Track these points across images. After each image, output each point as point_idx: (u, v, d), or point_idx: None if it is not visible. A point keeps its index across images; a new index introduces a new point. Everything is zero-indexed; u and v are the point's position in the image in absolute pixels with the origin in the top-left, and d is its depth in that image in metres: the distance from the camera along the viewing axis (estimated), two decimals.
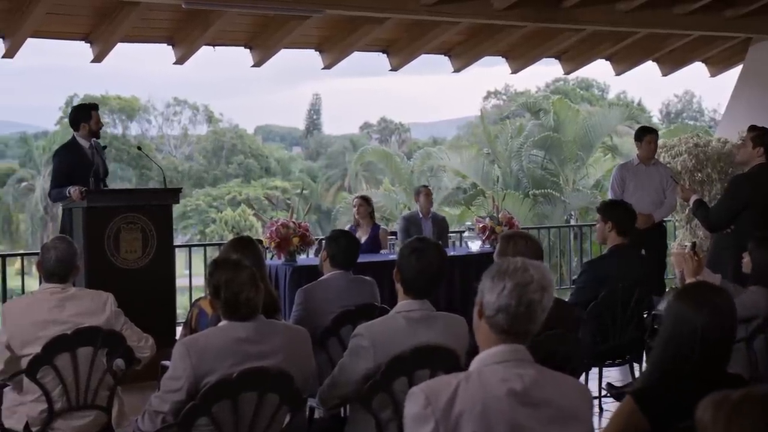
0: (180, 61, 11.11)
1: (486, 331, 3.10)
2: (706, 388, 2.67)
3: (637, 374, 7.32)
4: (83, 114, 9.16)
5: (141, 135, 57.48)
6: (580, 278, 7.30)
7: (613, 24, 11.95)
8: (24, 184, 47.25)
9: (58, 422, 5.38)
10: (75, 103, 11.52)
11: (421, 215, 11.31)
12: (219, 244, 11.39)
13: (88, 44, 10.58)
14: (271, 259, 9.64)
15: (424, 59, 12.77)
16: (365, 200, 11.08)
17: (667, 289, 8.44)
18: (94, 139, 9.11)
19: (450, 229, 12.17)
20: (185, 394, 4.26)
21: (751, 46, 13.70)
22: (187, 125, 60.71)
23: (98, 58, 10.65)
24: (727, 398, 2.44)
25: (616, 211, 7.25)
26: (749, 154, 8.29)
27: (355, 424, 4.69)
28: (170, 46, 11.05)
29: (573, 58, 13.55)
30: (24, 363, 5.33)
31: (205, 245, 12.80)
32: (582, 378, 6.47)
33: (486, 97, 60.93)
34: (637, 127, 12.10)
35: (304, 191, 44.89)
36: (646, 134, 10.30)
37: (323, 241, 7.04)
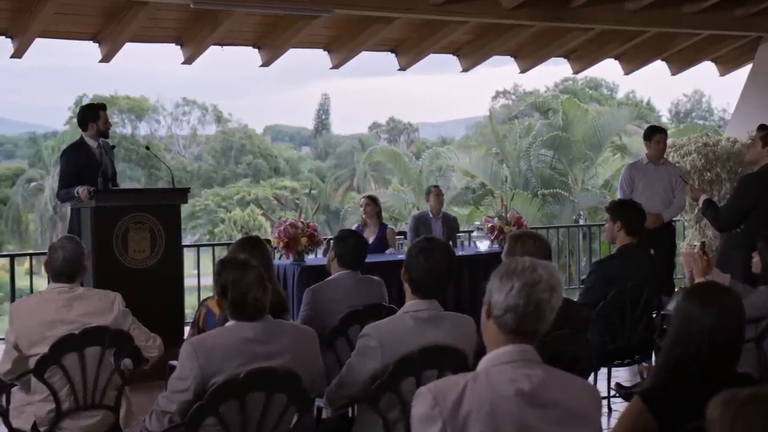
0: (188, 61, 11.11)
1: (494, 331, 3.09)
2: (715, 388, 2.66)
3: (645, 374, 7.30)
4: (91, 114, 9.15)
5: (150, 135, 57.51)
6: (588, 278, 7.28)
7: (622, 23, 11.93)
8: (33, 184, 47.28)
9: (66, 422, 5.38)
10: (84, 103, 11.53)
11: (431, 215, 11.31)
12: (227, 244, 11.38)
13: (96, 44, 10.59)
14: (280, 258, 9.63)
15: (432, 59, 12.77)
16: (372, 200, 11.06)
17: (676, 289, 8.43)
18: (102, 139, 9.11)
19: (460, 229, 12.16)
20: (192, 394, 4.25)
21: (761, 45, 13.66)
22: (196, 125, 60.76)
23: (106, 58, 10.66)
24: (736, 396, 2.43)
25: (625, 211, 7.22)
26: (759, 153, 8.26)
27: (362, 424, 4.68)
28: (178, 46, 11.06)
29: (581, 58, 13.52)
30: (32, 363, 5.33)
31: (213, 245, 12.80)
32: (591, 378, 6.45)
33: (495, 97, 60.92)
34: (646, 126, 12.07)
35: (312, 191, 44.92)
36: (655, 134, 10.27)
37: (331, 241, 7.03)
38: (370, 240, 10.03)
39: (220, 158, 57.72)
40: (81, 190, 8.46)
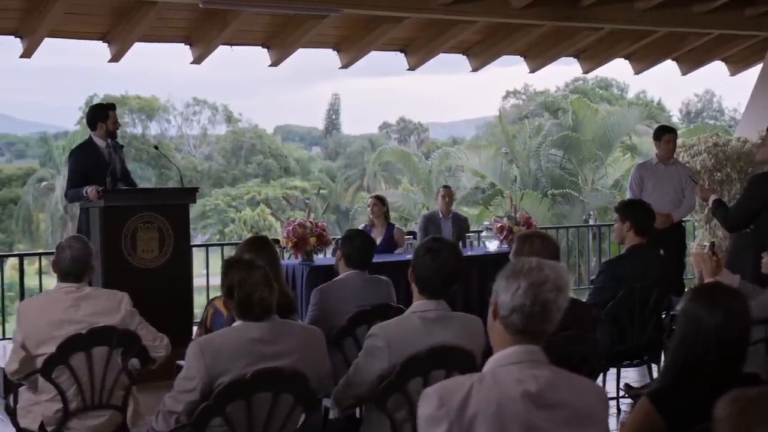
0: (197, 60, 11.12)
1: (500, 331, 3.08)
2: (723, 388, 2.65)
3: (655, 375, 7.28)
4: (100, 114, 9.16)
5: (160, 135, 57.54)
6: (598, 278, 7.25)
7: (632, 23, 11.91)
8: (44, 183, 47.34)
9: (73, 422, 5.38)
10: (94, 103, 11.54)
11: (441, 215, 11.30)
12: (236, 244, 11.35)
13: (106, 44, 10.60)
14: (289, 258, 9.63)
15: (442, 59, 12.77)
16: (380, 200, 11.03)
17: (686, 290, 8.39)
18: (111, 138, 9.11)
19: (470, 228, 12.15)
20: (199, 395, 4.25)
21: None
22: (206, 125, 60.79)
23: (115, 58, 10.67)
24: (743, 395, 2.43)
25: (634, 211, 7.20)
26: None
27: (369, 424, 4.67)
28: (188, 46, 11.06)
29: (591, 57, 13.50)
30: (39, 363, 5.33)
31: (222, 245, 12.80)
32: (600, 379, 6.44)
33: (505, 97, 60.89)
34: (656, 126, 12.04)
35: (321, 191, 44.92)
36: (664, 133, 10.25)
37: (339, 241, 7.03)
38: (378, 241, 10.00)
39: (231, 158, 57.75)
40: (90, 190, 8.46)
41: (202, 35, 10.89)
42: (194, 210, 46.88)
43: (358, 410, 5.15)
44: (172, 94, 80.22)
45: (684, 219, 10.83)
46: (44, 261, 11.25)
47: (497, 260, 9.67)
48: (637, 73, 14.07)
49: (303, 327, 4.73)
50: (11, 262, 13.30)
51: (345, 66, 12.07)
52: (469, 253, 10.21)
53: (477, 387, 2.95)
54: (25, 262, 10.49)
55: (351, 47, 11.84)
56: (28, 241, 46.19)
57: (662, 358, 7.06)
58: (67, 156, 9.52)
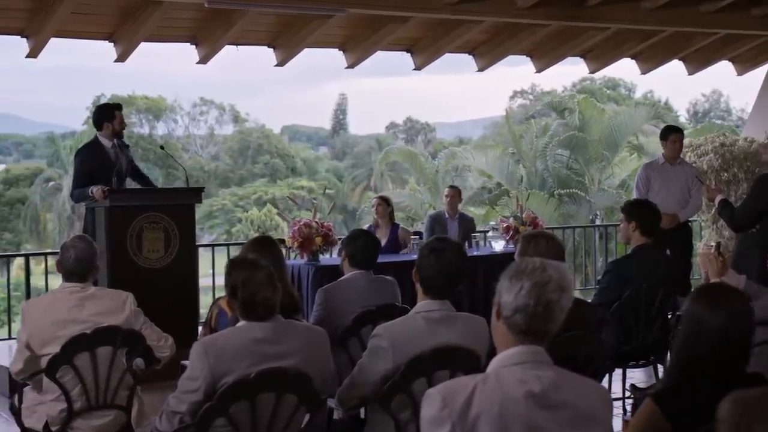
0: (203, 60, 11.11)
1: (504, 331, 3.07)
2: (726, 388, 2.65)
3: (661, 375, 7.25)
4: (107, 114, 9.17)
5: (167, 135, 57.65)
6: (603, 278, 7.23)
7: (638, 22, 11.87)
8: (51, 183, 47.42)
9: (78, 422, 5.38)
10: (101, 103, 11.56)
11: (447, 215, 11.29)
12: (242, 244, 11.37)
13: (112, 44, 10.60)
14: (294, 258, 9.63)
15: (449, 58, 12.74)
16: (384, 200, 11.02)
17: (692, 290, 8.38)
18: (116, 139, 9.12)
19: (476, 229, 12.15)
20: (203, 395, 4.24)
21: None
22: (213, 125, 60.91)
23: (121, 58, 10.66)
24: (745, 396, 2.43)
25: (640, 211, 7.18)
26: None
27: (373, 425, 4.67)
28: (193, 46, 11.05)
29: (598, 57, 13.46)
30: (43, 362, 5.33)
31: (228, 245, 12.80)
32: (605, 379, 6.42)
33: (512, 97, 60.94)
34: (663, 126, 12.02)
35: (327, 190, 44.92)
36: (671, 133, 10.23)
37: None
38: (383, 242, 9.98)
39: (238, 158, 57.84)
40: (95, 190, 8.46)
41: (207, 35, 10.88)
42: (201, 210, 47.02)
43: (363, 410, 5.14)
44: (179, 94, 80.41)
45: (691, 219, 10.81)
46: (50, 261, 11.25)
47: (503, 260, 9.65)
48: (643, 73, 14.04)
49: (306, 327, 4.73)
50: (18, 262, 13.34)
51: (351, 66, 12.06)
52: (476, 253, 10.21)
53: (480, 388, 2.95)
54: (33, 262, 10.49)
55: (357, 47, 11.82)
56: (35, 240, 46.26)
57: (668, 358, 7.04)
58: (74, 156, 9.52)
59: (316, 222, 9.39)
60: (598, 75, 49.43)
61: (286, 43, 11.39)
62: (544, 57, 13.10)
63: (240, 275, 4.34)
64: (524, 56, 13.16)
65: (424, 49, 12.22)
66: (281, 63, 11.62)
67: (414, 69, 12.48)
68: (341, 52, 12.01)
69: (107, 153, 8.99)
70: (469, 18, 11.11)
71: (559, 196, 24.38)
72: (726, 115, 62.63)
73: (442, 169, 30.67)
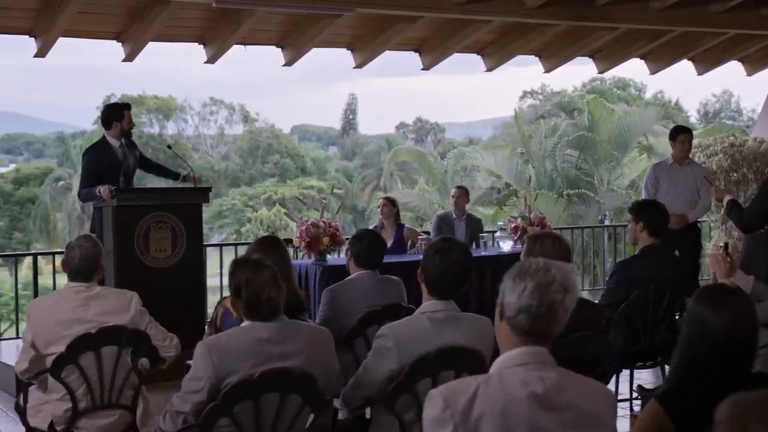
0: (211, 60, 11.10)
1: (507, 332, 3.06)
2: (730, 389, 2.63)
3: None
4: (116, 113, 9.18)
5: (177, 134, 57.74)
6: (611, 279, 7.21)
7: (647, 22, 11.83)
8: (61, 183, 47.51)
9: (83, 421, 5.38)
10: (109, 103, 11.56)
11: (454, 215, 11.28)
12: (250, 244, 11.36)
13: (120, 43, 10.60)
14: (302, 258, 9.62)
15: (457, 58, 12.72)
16: (390, 201, 11.01)
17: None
18: (124, 138, 9.12)
19: (484, 230, 12.13)
20: (206, 395, 4.24)
21: None
22: (223, 125, 60.97)
23: (129, 58, 10.66)
24: (743, 399, 2.42)
25: (647, 211, 7.15)
26: None
27: (378, 425, 4.66)
28: (201, 45, 11.05)
29: (607, 57, 13.42)
30: (48, 362, 5.33)
31: (236, 244, 12.79)
32: (613, 380, 6.40)
33: (522, 97, 60.95)
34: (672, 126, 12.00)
35: (335, 190, 44.93)
36: (679, 133, 10.21)
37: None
38: (389, 243, 9.97)
39: (247, 158, 57.89)
40: (102, 190, 8.47)
41: (215, 35, 10.88)
42: (211, 209, 47.05)
43: (369, 410, 5.13)
44: (189, 94, 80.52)
45: (700, 219, 10.78)
46: (59, 260, 11.25)
47: (511, 261, 9.58)
48: (652, 73, 13.99)
49: (311, 327, 4.71)
50: (28, 261, 13.36)
51: (359, 66, 12.04)
52: (483, 254, 10.19)
53: (483, 388, 2.93)
54: (43, 261, 10.50)
55: (365, 47, 11.81)
56: (45, 240, 46.38)
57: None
58: (81, 155, 9.54)
59: (324, 222, 9.38)
60: (609, 75, 49.54)
61: (294, 42, 11.38)
62: (552, 57, 13.07)
63: (244, 275, 4.33)
64: (533, 56, 13.14)
65: (432, 49, 12.20)
66: (289, 63, 11.61)
67: (422, 69, 12.46)
68: (349, 51, 12.00)
69: (115, 152, 9.00)
70: (478, 18, 11.08)
71: (568, 196, 24.36)
72: (737, 115, 62.54)
73: (450, 169, 30.67)
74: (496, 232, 11.47)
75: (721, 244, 6.65)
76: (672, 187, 9.98)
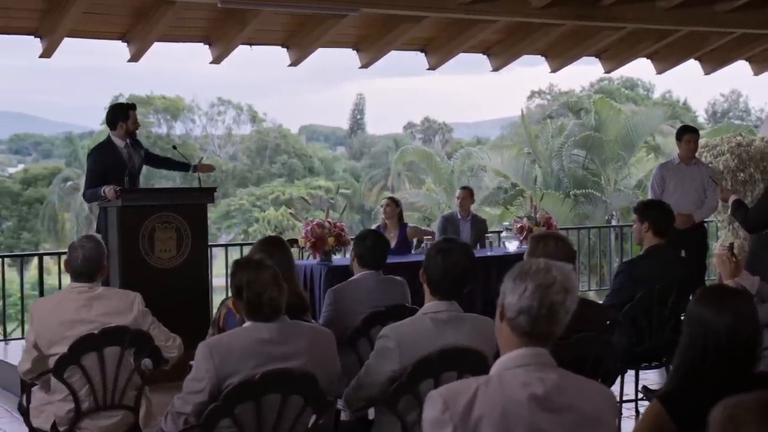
0: (216, 60, 11.10)
1: (507, 333, 3.05)
2: (732, 389, 2.61)
3: None
4: (121, 113, 9.17)
5: (185, 135, 57.74)
6: (616, 279, 7.20)
7: (654, 22, 11.81)
8: (69, 183, 47.55)
9: (85, 422, 5.39)
10: (114, 103, 11.52)
11: (459, 216, 11.27)
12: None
13: (125, 44, 10.60)
14: (307, 258, 9.62)
15: (464, 58, 12.70)
16: (393, 201, 10.99)
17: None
18: (129, 138, 9.12)
19: (490, 230, 12.12)
20: (207, 396, 4.23)
21: None
22: (231, 125, 60.96)
23: (134, 58, 10.66)
24: (734, 400, 2.40)
25: (653, 212, 7.14)
26: None
27: (380, 426, 4.64)
28: (207, 46, 11.04)
29: (613, 57, 13.40)
30: (51, 362, 5.34)
31: (242, 245, 12.79)
32: (618, 381, 6.39)
33: (530, 97, 60.88)
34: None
35: (341, 190, 44.91)
36: (685, 133, 10.21)
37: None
38: (392, 243, 9.95)
39: (255, 158, 57.89)
40: (107, 190, 8.47)
41: (221, 35, 10.87)
42: (219, 210, 47.08)
43: (373, 411, 5.12)
44: (196, 95, 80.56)
45: (706, 219, 10.76)
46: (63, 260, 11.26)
47: (516, 261, 9.59)
48: (659, 72, 13.96)
49: (313, 327, 4.70)
50: (36, 262, 13.36)
51: (365, 66, 12.03)
52: (489, 254, 10.19)
53: (483, 390, 2.92)
54: (51, 261, 10.50)
55: (370, 47, 11.79)
56: (53, 240, 46.42)
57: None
58: (86, 156, 9.55)
59: (329, 222, 9.38)
60: (616, 75, 49.41)
61: (299, 42, 11.37)
62: (558, 57, 13.05)
63: (245, 276, 4.33)
64: (539, 56, 13.11)
65: (438, 49, 12.19)
66: (295, 63, 11.61)
67: (428, 69, 12.45)
68: (355, 51, 11.99)
69: (120, 153, 9.00)
70: (483, 18, 11.07)
71: (575, 196, 24.34)
72: (745, 115, 62.43)
73: (457, 169, 30.66)
74: (501, 232, 11.47)
75: (727, 245, 6.64)
76: (678, 187, 9.96)
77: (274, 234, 15.69)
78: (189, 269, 8.72)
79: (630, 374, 7.05)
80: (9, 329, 11.15)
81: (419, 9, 10.62)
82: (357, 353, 5.69)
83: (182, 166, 9.93)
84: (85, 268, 5.52)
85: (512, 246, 10.48)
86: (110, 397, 5.41)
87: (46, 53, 10.25)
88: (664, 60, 13.76)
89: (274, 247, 5.67)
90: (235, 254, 11.85)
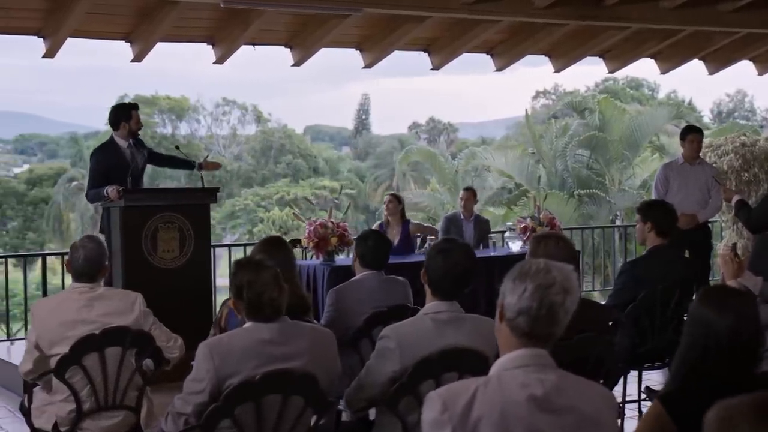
0: (220, 60, 11.10)
1: (507, 334, 3.04)
2: (733, 390, 2.60)
3: None
4: (124, 113, 9.17)
5: (190, 135, 57.73)
6: (618, 279, 7.19)
7: (658, 22, 11.79)
8: (74, 183, 47.58)
9: (87, 422, 5.39)
10: (117, 103, 11.50)
11: (462, 216, 11.25)
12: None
13: (128, 44, 10.60)
14: (310, 258, 9.61)
15: (467, 58, 12.69)
16: (395, 197, 10.98)
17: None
18: (132, 138, 9.12)
19: (494, 230, 12.11)
20: (208, 396, 4.23)
21: None
22: (236, 125, 60.93)
23: (138, 58, 10.66)
24: (729, 402, 2.39)
25: (655, 212, 7.12)
26: None
27: (381, 427, 4.64)
28: (210, 46, 11.04)
29: (617, 57, 13.38)
30: (52, 363, 5.33)
31: (245, 245, 12.78)
32: (620, 381, 6.37)
33: (535, 97, 60.85)
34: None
35: (347, 190, 44.91)
36: (689, 133, 10.19)
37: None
38: (395, 240, 9.95)
39: (260, 158, 57.87)
40: (110, 190, 8.47)
41: (224, 35, 10.87)
42: (223, 210, 47.09)
43: (374, 412, 5.11)
44: (201, 95, 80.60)
45: (711, 220, 10.74)
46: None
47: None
48: (663, 72, 13.94)
49: (313, 328, 4.70)
50: (40, 262, 13.37)
51: (368, 66, 12.02)
52: (492, 254, 10.19)
53: (482, 391, 2.91)
54: (56, 261, 10.50)
55: (374, 47, 11.78)
56: (58, 240, 46.45)
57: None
58: (89, 156, 9.55)
59: (332, 222, 9.37)
60: (621, 75, 49.42)
61: (302, 42, 11.36)
62: (562, 57, 13.03)
63: (245, 276, 4.32)
64: (543, 56, 13.10)
65: (441, 49, 12.18)
66: (298, 63, 11.60)
67: (432, 69, 12.43)
68: (358, 51, 11.98)
69: (123, 153, 9.00)
70: (486, 18, 11.05)
71: (579, 196, 24.32)
72: (750, 115, 62.35)
73: (461, 169, 30.64)
74: (505, 232, 11.46)
75: (734, 244, 6.64)
76: (682, 187, 9.95)
77: (276, 234, 15.70)
78: (192, 269, 8.71)
79: (633, 375, 7.04)
80: (13, 329, 11.15)
81: (422, 9, 10.61)
82: (359, 353, 5.69)
83: (187, 164, 9.94)
84: (86, 268, 5.51)
85: (515, 246, 10.47)
86: (111, 398, 5.41)
87: (50, 53, 10.26)
88: (669, 60, 13.73)
89: (275, 247, 5.66)
90: (238, 254, 11.85)
